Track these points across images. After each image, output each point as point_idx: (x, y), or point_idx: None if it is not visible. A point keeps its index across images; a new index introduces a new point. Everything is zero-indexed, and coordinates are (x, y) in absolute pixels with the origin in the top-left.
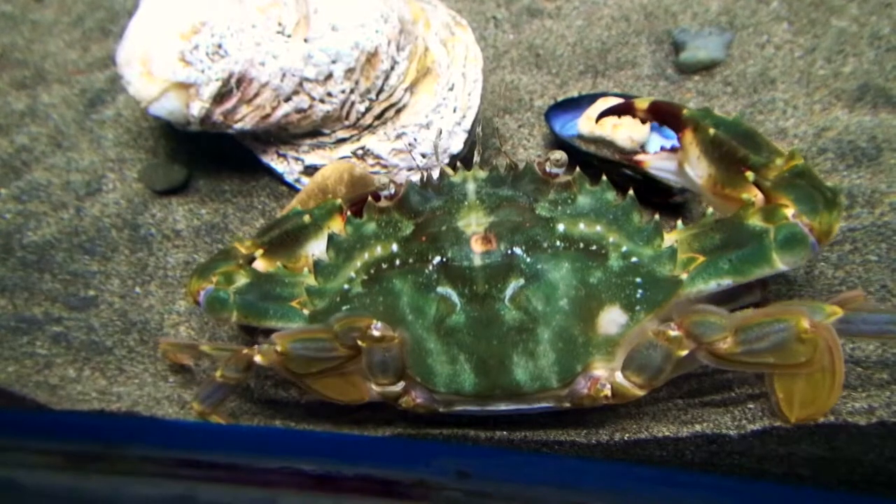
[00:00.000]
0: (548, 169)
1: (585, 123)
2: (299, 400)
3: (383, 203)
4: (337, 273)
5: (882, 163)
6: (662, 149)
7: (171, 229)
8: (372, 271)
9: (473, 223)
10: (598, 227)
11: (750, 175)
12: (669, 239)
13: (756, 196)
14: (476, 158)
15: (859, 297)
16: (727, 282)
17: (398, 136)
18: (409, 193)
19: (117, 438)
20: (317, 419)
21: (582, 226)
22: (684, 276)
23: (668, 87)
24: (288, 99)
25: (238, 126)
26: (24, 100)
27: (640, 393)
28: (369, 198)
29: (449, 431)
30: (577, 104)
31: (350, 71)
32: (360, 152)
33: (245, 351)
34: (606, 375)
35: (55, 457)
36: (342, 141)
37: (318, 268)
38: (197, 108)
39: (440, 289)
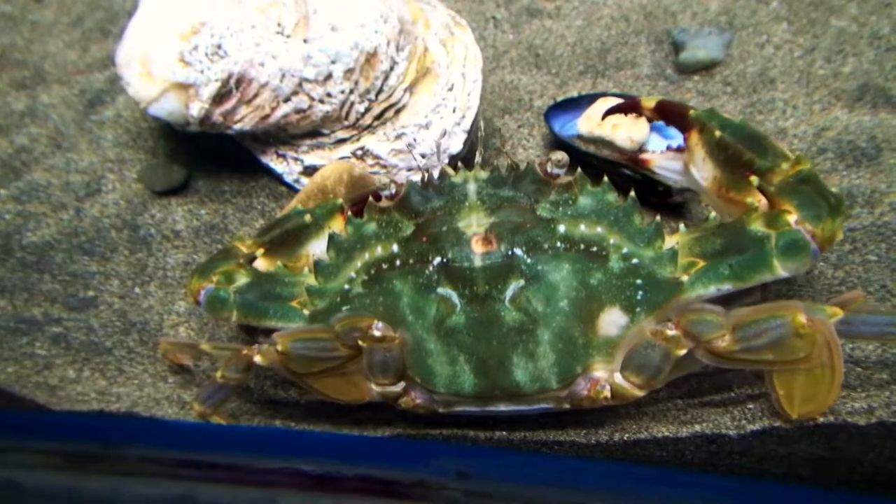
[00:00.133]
0: (549, 170)
1: (585, 123)
2: (299, 400)
3: (384, 203)
4: (337, 273)
5: (882, 163)
6: (669, 148)
7: (171, 230)
8: (372, 271)
9: (474, 224)
10: (599, 229)
11: (754, 180)
12: (671, 241)
13: (760, 201)
14: (478, 159)
15: (860, 297)
16: (727, 287)
17: (398, 137)
18: (410, 193)
19: (117, 439)
20: (317, 419)
21: (583, 227)
22: (685, 279)
23: (668, 87)
24: (287, 99)
25: (237, 126)
26: (24, 100)
27: (640, 394)
28: (370, 198)
29: (448, 432)
30: (576, 104)
31: (349, 71)
32: (359, 153)
33: (245, 351)
34: (606, 377)
35: (55, 457)
36: (342, 141)
37: (318, 268)
38: (196, 109)
39: (440, 289)
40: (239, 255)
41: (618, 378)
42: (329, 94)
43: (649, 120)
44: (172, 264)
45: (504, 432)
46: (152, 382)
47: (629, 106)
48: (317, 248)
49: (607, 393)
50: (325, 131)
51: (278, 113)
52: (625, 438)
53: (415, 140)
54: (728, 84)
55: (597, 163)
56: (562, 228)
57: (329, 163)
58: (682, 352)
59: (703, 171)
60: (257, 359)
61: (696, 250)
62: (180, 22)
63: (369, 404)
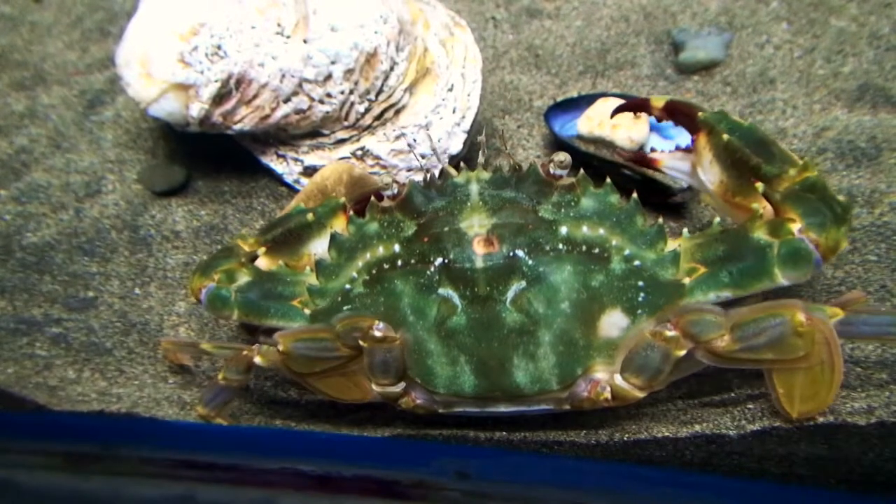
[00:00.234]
0: (551, 170)
1: (585, 123)
2: (299, 400)
3: (386, 203)
4: (339, 273)
5: (882, 163)
6: (678, 148)
7: (171, 230)
8: (374, 271)
9: (476, 225)
10: (602, 230)
11: (760, 186)
12: (673, 246)
13: (765, 207)
14: (480, 159)
15: (860, 298)
16: (726, 294)
17: (397, 137)
18: (412, 193)
19: (117, 439)
20: (316, 420)
21: (585, 228)
22: (686, 281)
23: (668, 88)
24: (287, 100)
25: (237, 127)
26: (24, 101)
27: (640, 395)
28: (372, 197)
29: (448, 432)
30: (576, 104)
31: (349, 72)
32: (359, 153)
33: (245, 352)
34: (607, 378)
35: (55, 458)
36: (341, 142)
37: (319, 267)
38: (196, 110)
39: (441, 290)
40: (240, 253)
41: (618, 379)
42: (329, 95)
43: (658, 120)
44: (172, 265)
45: (504, 433)
46: (152, 383)
47: (638, 105)
48: (319, 247)
49: (608, 394)
50: (325, 132)
51: (278, 113)
52: (624, 439)
53: (415, 140)
54: (728, 84)
55: (597, 163)
56: (564, 230)
57: (329, 163)
58: (682, 352)
59: (710, 175)
60: (257, 360)
61: (697, 256)
62: (180, 22)
63: (369, 404)
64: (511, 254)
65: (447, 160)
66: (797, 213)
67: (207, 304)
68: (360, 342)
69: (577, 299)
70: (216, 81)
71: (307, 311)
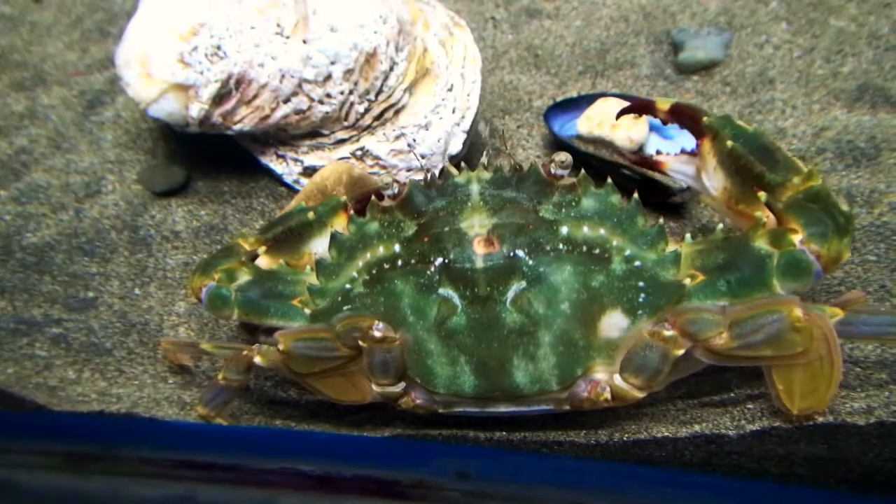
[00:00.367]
0: (552, 170)
1: (584, 123)
2: (299, 400)
3: (386, 202)
4: (339, 272)
5: (881, 162)
6: (683, 151)
7: (171, 231)
8: (374, 271)
9: (476, 225)
10: (602, 231)
11: (762, 195)
12: (674, 247)
13: (768, 215)
14: (483, 160)
15: (860, 298)
16: (723, 303)
17: (397, 137)
18: (413, 193)
19: (117, 440)
20: (316, 420)
21: (586, 229)
22: (687, 281)
23: (667, 88)
24: (287, 100)
25: (237, 127)
26: (24, 101)
27: (640, 395)
28: (372, 196)
29: (448, 432)
30: (576, 104)
31: (349, 72)
32: (359, 153)
33: (245, 352)
34: (606, 378)
35: (55, 458)
36: (341, 142)
37: (320, 267)
38: (196, 110)
39: (442, 290)
40: (241, 252)
41: (618, 380)
42: (328, 95)
43: (664, 122)
44: (172, 265)
45: (504, 433)
46: (152, 383)
47: (643, 107)
48: (319, 245)
49: (607, 395)
50: (325, 132)
51: (278, 114)
52: (624, 439)
53: (414, 140)
54: (727, 84)
55: (596, 163)
56: (564, 230)
57: (329, 163)
58: (680, 352)
59: (714, 181)
60: (257, 360)
61: (697, 263)
62: (180, 23)
63: (369, 405)
64: (511, 254)
65: (446, 160)
66: (799, 223)
67: (207, 303)
68: (360, 342)
69: (578, 300)
70: (216, 82)
71: (307, 311)
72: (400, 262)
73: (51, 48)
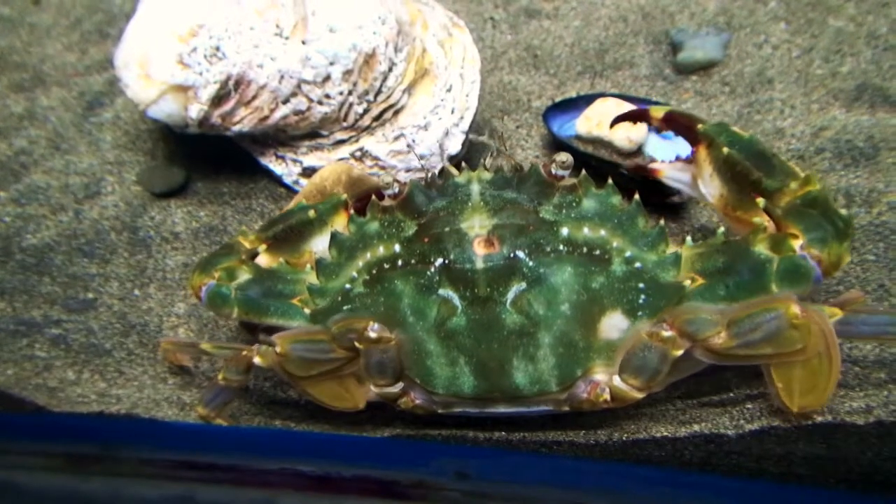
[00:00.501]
0: (553, 171)
1: (583, 124)
2: (299, 400)
3: (387, 202)
4: (339, 272)
5: (879, 162)
6: (678, 158)
7: (170, 231)
8: (374, 271)
9: (476, 225)
10: (603, 232)
11: (760, 202)
12: (674, 248)
13: (768, 221)
14: (485, 160)
15: (858, 298)
16: (722, 307)
17: (396, 138)
18: (413, 193)
19: (117, 440)
20: (316, 420)
21: (586, 230)
22: (687, 283)
23: (666, 88)
24: (286, 101)
25: (236, 128)
26: (23, 103)
27: (639, 396)
28: (373, 196)
29: (448, 432)
30: (575, 105)
31: (348, 73)
32: (358, 154)
33: (244, 352)
34: (606, 379)
35: (55, 459)
36: (340, 142)
37: (320, 266)
38: (195, 111)
39: (441, 291)
40: (241, 250)
41: (617, 381)
42: (328, 96)
43: (658, 130)
44: (172, 266)
45: (503, 433)
46: (152, 384)
47: (638, 115)
48: (320, 244)
49: (607, 396)
50: (324, 132)
51: (277, 114)
52: (623, 439)
53: (413, 141)
54: (726, 84)
55: (595, 163)
56: (565, 231)
57: (328, 164)
58: (679, 352)
59: (711, 188)
60: (257, 360)
61: (697, 266)
62: (179, 24)
63: (369, 405)
64: (511, 255)
65: (446, 160)
66: (799, 228)
67: (207, 301)
68: (356, 343)
69: (578, 301)
70: (215, 83)
71: (307, 310)
72: (400, 263)
73: (50, 49)
